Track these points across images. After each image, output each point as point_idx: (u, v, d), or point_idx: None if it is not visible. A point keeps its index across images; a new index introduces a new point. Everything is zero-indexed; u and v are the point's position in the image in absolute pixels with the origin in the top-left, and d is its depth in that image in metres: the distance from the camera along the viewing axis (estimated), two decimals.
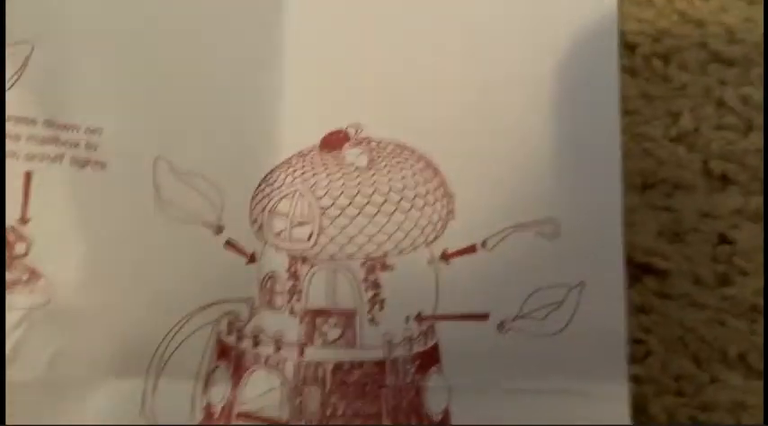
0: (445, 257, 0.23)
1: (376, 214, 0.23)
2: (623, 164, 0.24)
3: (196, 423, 0.23)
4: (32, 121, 0.23)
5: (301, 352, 0.23)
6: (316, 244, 0.23)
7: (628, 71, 0.28)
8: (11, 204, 0.23)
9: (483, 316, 0.23)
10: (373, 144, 0.24)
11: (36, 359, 0.23)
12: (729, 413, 0.25)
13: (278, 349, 0.23)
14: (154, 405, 0.22)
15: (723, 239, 0.27)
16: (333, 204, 0.23)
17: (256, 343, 0.23)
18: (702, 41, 0.29)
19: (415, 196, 0.23)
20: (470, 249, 0.23)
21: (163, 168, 0.24)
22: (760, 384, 0.25)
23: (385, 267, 0.23)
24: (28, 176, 0.23)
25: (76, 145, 0.23)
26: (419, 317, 0.23)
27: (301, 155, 0.24)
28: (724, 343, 0.25)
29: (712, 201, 0.27)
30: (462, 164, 0.24)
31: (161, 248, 0.23)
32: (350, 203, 0.23)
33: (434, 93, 0.24)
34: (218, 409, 0.23)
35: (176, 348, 0.23)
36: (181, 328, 0.23)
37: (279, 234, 0.24)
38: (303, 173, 0.24)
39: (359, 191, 0.23)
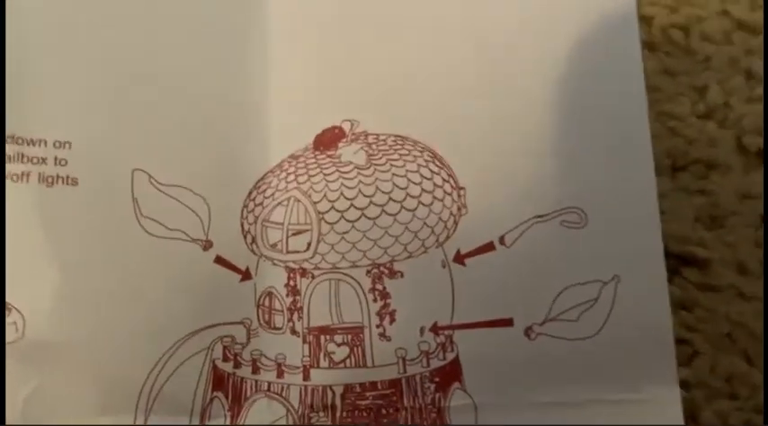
0: (460, 258, 0.22)
1: (379, 215, 0.22)
2: None
3: None
4: None
5: (306, 376, 0.22)
6: (315, 253, 0.22)
7: (646, 45, 0.26)
8: None
9: (507, 322, 0.22)
10: (371, 138, 0.23)
11: (10, 402, 0.21)
12: None
13: (280, 374, 0.22)
14: None
15: (765, 221, 0.25)
16: (331, 208, 0.22)
17: (256, 369, 0.22)
18: (723, 9, 0.28)
19: (421, 192, 0.22)
20: (487, 247, 0.22)
21: (141, 180, 0.23)
22: None
23: (393, 274, 0.22)
24: None
25: (44, 161, 0.22)
26: (435, 328, 0.22)
27: (293, 157, 0.23)
28: None
29: (750, 180, 0.26)
30: (471, 153, 0.23)
31: (144, 269, 0.22)
32: (350, 205, 0.22)
33: (434, 79, 0.23)
34: None
35: (166, 380, 0.22)
36: (170, 357, 0.22)
37: (274, 245, 0.23)
38: (297, 177, 0.23)
39: (359, 192, 0.22)
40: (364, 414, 0.22)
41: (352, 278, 0.22)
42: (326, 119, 0.23)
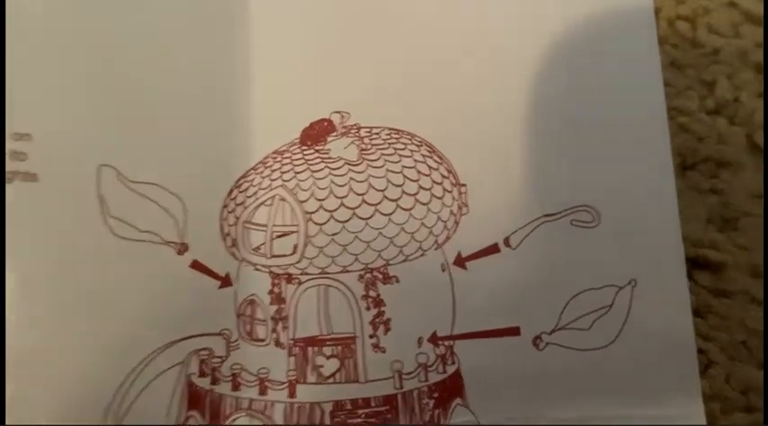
0: (461, 261, 0.22)
1: (373, 215, 0.21)
2: None
3: None
4: None
5: (292, 392, 0.21)
6: (302, 257, 0.21)
7: None
8: None
9: (513, 331, 0.21)
10: (363, 132, 0.23)
11: None
12: None
13: (263, 390, 0.21)
14: None
15: (765, 218, 0.25)
16: (319, 207, 0.22)
17: (236, 385, 0.21)
18: (730, 1, 0.27)
19: (418, 189, 0.22)
20: (492, 249, 0.22)
21: (109, 177, 0.22)
22: None
23: (388, 279, 0.21)
24: None
25: None
26: (434, 338, 0.21)
27: (278, 153, 0.23)
28: None
29: (762, 179, 0.25)
30: (472, 147, 0.22)
31: (111, 276, 0.21)
32: (340, 205, 0.21)
33: (433, 71, 0.23)
34: None
35: (136, 398, 0.21)
36: (141, 373, 0.21)
37: (257, 249, 0.22)
38: (282, 174, 0.22)
39: (350, 189, 0.22)
40: None
41: (343, 284, 0.21)
42: (315, 111, 0.23)
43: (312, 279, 0.22)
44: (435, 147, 0.22)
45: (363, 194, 0.21)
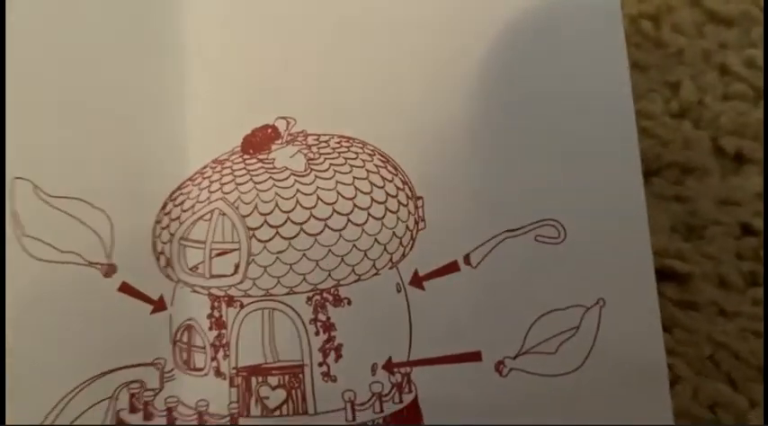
0: (418, 280, 0.21)
1: (322, 231, 0.20)
2: None
3: None
4: None
5: None
6: (244, 277, 0.20)
7: None
8: None
9: (474, 356, 0.21)
10: (311, 139, 0.22)
11: None
12: None
13: (203, 425, 0.20)
14: None
15: (746, 230, 0.25)
16: (263, 223, 0.20)
17: (171, 420, 0.20)
18: None
19: (371, 202, 0.21)
20: (451, 267, 0.21)
21: (25, 191, 0.21)
22: None
23: (339, 301, 0.21)
24: None
25: None
26: (389, 365, 0.21)
27: (218, 162, 0.21)
28: (761, 358, 0.23)
29: (729, 185, 0.25)
30: (427, 157, 0.21)
31: (27, 301, 0.20)
32: (286, 220, 0.20)
33: (384, 76, 0.22)
34: None
35: None
36: (63, 410, 0.20)
37: (194, 268, 0.21)
38: (222, 186, 0.21)
39: (297, 203, 0.20)
40: None
41: (290, 307, 0.21)
42: (257, 117, 0.22)
43: (256, 301, 0.21)
44: (389, 157, 0.21)
45: (312, 208, 0.20)
